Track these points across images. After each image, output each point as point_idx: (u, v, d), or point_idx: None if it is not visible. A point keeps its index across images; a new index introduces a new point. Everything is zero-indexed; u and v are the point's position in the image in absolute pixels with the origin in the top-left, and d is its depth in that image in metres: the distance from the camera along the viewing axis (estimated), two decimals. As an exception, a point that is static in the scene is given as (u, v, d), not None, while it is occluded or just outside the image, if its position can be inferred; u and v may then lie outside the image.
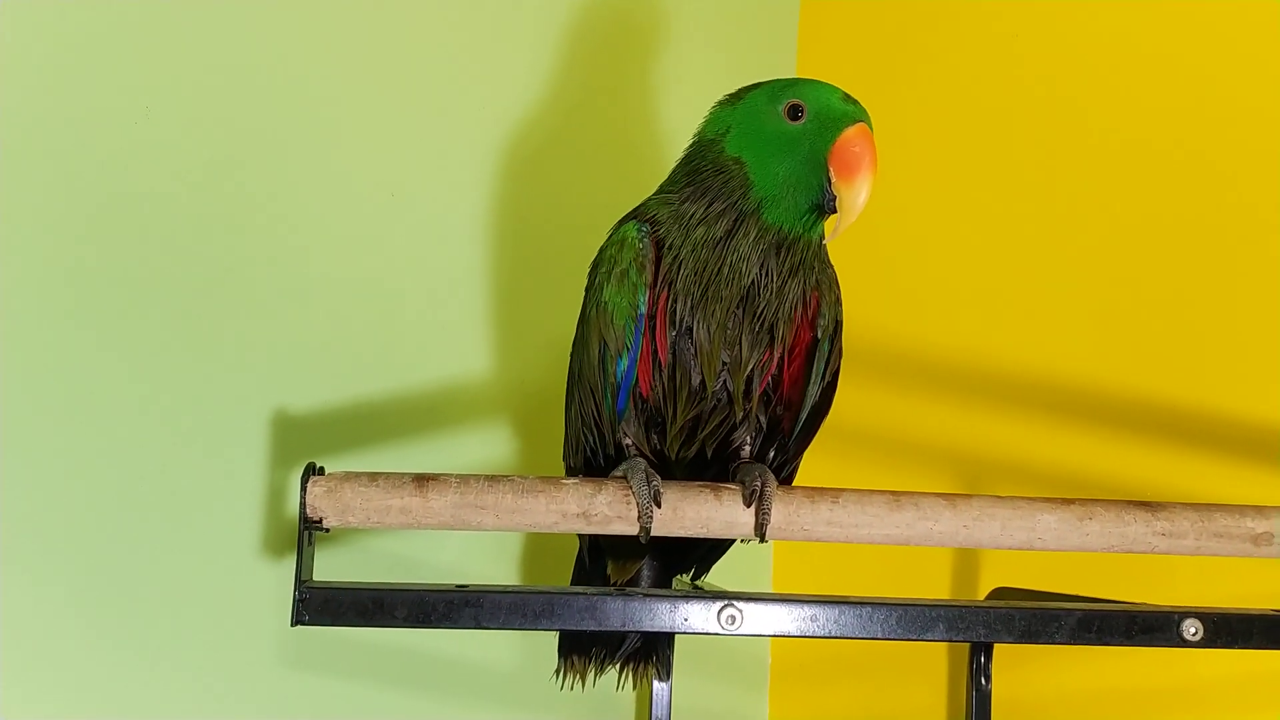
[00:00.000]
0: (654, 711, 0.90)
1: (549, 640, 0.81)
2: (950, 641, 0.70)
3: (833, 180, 0.62)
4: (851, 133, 0.62)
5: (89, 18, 0.70)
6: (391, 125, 0.84)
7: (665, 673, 0.88)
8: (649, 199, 0.68)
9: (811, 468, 0.73)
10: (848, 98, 0.64)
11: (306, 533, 0.62)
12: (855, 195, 0.61)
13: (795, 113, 0.63)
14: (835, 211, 0.63)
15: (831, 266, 0.68)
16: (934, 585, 0.96)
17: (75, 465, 0.68)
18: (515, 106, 0.90)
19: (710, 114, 0.67)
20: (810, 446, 0.72)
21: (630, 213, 0.68)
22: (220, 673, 0.73)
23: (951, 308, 1.00)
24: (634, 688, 0.84)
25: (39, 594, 0.67)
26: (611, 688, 0.93)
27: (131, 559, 0.70)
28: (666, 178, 0.68)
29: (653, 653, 0.78)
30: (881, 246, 1.03)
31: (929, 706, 0.96)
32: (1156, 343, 0.87)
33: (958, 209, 1.01)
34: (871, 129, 0.63)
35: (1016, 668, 0.89)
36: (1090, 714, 0.88)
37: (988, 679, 0.89)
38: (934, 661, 0.96)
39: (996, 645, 0.88)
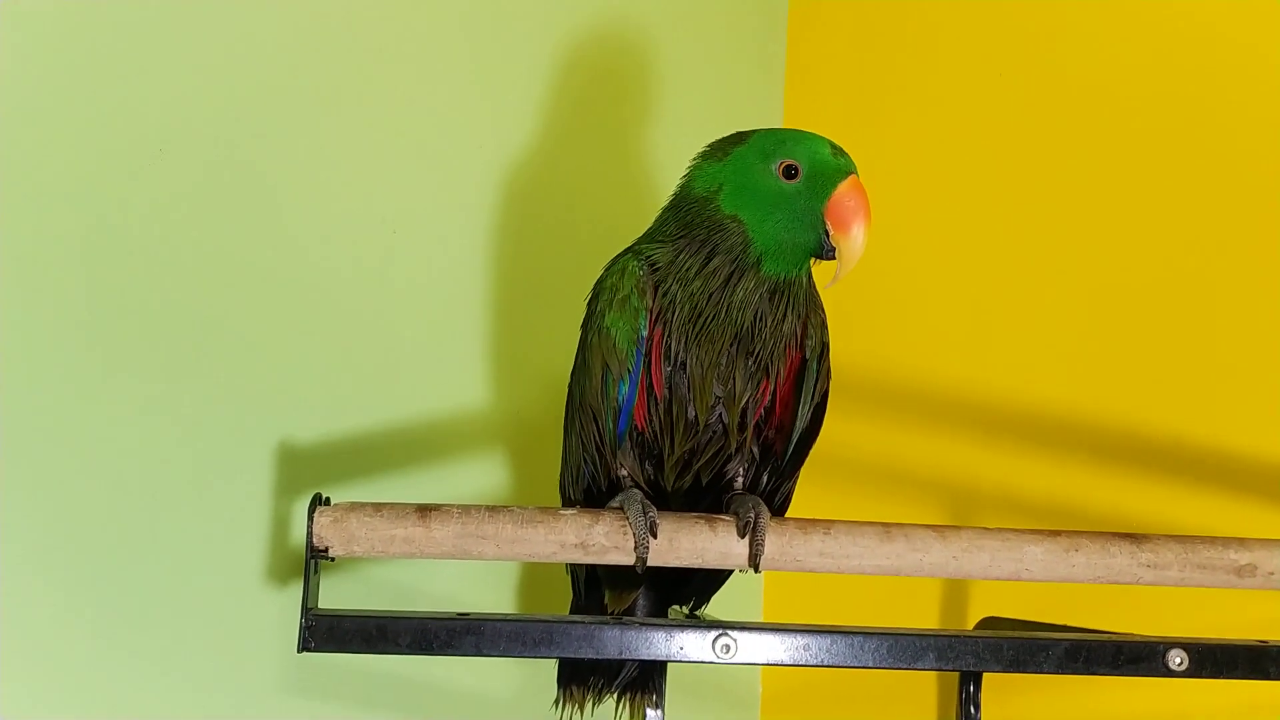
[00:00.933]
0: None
1: (546, 670, 0.82)
2: (940, 670, 0.72)
3: (831, 233, 0.65)
4: (845, 187, 0.65)
5: (99, 55, 0.72)
6: (392, 162, 0.86)
7: (659, 701, 0.88)
8: (641, 243, 0.70)
9: (804, 498, 0.75)
10: (837, 150, 0.66)
11: (313, 561, 0.63)
12: (854, 246, 0.65)
13: (790, 172, 0.65)
14: (832, 258, 0.66)
15: (816, 294, 0.70)
16: (923, 614, 0.98)
17: (82, 494, 0.70)
18: (512, 142, 0.93)
19: (696, 167, 0.69)
20: (802, 478, 0.74)
21: (625, 251, 0.70)
22: (225, 698, 0.74)
23: (942, 340, 1.02)
24: (630, 718, 0.85)
25: (47, 620, 0.68)
26: (609, 717, 0.94)
27: (138, 586, 0.71)
28: (655, 223, 0.70)
29: (649, 681, 0.80)
30: (872, 280, 1.05)
31: (921, 735, 0.97)
32: (1144, 376, 0.89)
33: (947, 241, 1.03)
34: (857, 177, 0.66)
35: (1005, 697, 0.90)
36: (1079, 743, 0.89)
37: (977, 708, 0.90)
38: (924, 690, 0.97)
39: (986, 674, 0.89)
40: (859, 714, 1.02)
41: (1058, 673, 0.66)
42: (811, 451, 0.73)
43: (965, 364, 0.99)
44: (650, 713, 0.91)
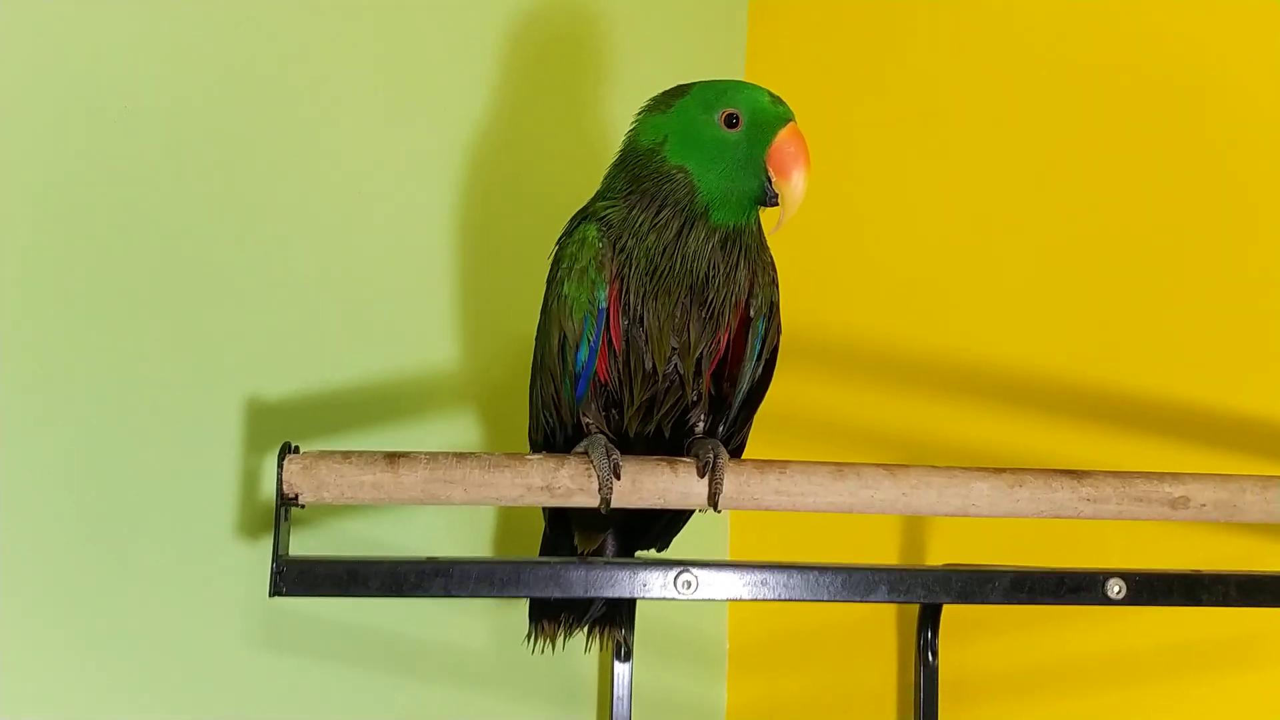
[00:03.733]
0: (615, 691, 0.93)
1: (518, 619, 0.84)
2: (893, 602, 0.75)
3: (773, 179, 0.67)
4: (785, 134, 0.67)
5: (67, 17, 0.72)
6: (361, 125, 0.87)
7: (628, 650, 0.91)
8: (596, 202, 0.71)
9: (758, 449, 0.77)
10: (775, 99, 0.68)
11: (283, 509, 0.64)
12: (795, 191, 0.67)
13: (731, 121, 0.67)
14: (776, 204, 0.68)
15: (768, 250, 0.72)
16: (883, 559, 1.01)
17: (51, 451, 0.71)
18: (477, 107, 0.94)
19: (641, 120, 0.71)
20: (759, 430, 0.76)
21: (581, 213, 0.72)
22: (197, 650, 0.75)
23: (892, 295, 1.05)
24: (602, 649, 0.88)
25: (12, 575, 0.69)
26: (576, 670, 0.97)
27: (108, 542, 0.72)
28: (605, 180, 0.72)
29: (617, 617, 0.82)
30: (821, 237, 1.08)
31: (880, 682, 1.00)
32: (1084, 326, 0.93)
33: (891, 196, 1.06)
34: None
35: (962, 641, 0.94)
36: (1030, 683, 0.93)
37: (935, 654, 0.94)
38: (884, 637, 1.00)
39: (943, 624, 0.93)
40: (823, 665, 1.05)
41: (1004, 602, 0.69)
42: (769, 405, 0.75)
43: (914, 319, 1.02)
44: (618, 665, 0.93)
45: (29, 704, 0.69)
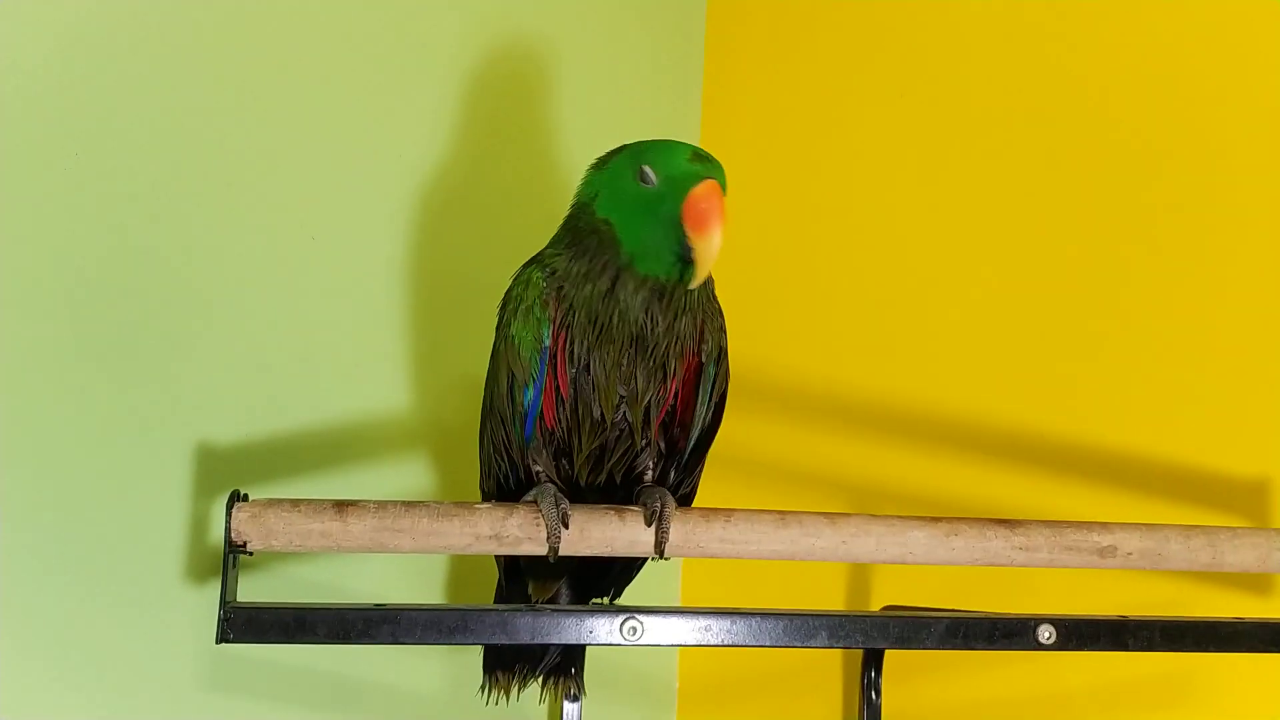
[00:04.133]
0: (565, 731, 0.94)
1: (470, 663, 0.84)
2: (832, 647, 0.77)
3: (688, 235, 0.68)
4: (698, 191, 0.68)
5: (20, 63, 0.73)
6: (312, 169, 0.88)
7: (581, 688, 0.92)
8: (544, 251, 0.74)
9: (708, 494, 0.79)
10: (697, 156, 0.69)
11: (231, 556, 0.65)
12: (707, 247, 0.67)
13: (645, 178, 0.69)
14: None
15: (715, 300, 0.74)
16: (830, 598, 1.03)
17: (0, 492, 0.70)
18: (429, 154, 0.96)
19: (584, 177, 0.74)
20: (707, 474, 0.78)
21: (530, 260, 0.74)
22: (144, 694, 0.75)
23: (837, 343, 1.07)
24: (555, 700, 0.88)
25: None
26: (527, 713, 0.97)
27: (55, 585, 0.72)
28: (557, 231, 0.74)
29: (571, 667, 0.83)
30: (768, 282, 1.11)
31: (826, 721, 1.02)
32: (1018, 373, 0.96)
33: (837, 244, 1.09)
34: (723, 181, 0.69)
35: (903, 683, 0.96)
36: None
37: (878, 693, 0.96)
38: (830, 679, 1.02)
39: (886, 664, 0.95)
40: (770, 702, 1.07)
41: (939, 648, 0.71)
42: (716, 449, 0.77)
43: (858, 364, 1.05)
44: (568, 705, 0.94)
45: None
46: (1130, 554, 0.74)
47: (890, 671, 0.95)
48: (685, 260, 0.69)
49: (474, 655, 0.84)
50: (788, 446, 1.06)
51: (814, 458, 1.05)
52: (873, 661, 0.95)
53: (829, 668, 1.02)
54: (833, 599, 1.03)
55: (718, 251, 0.67)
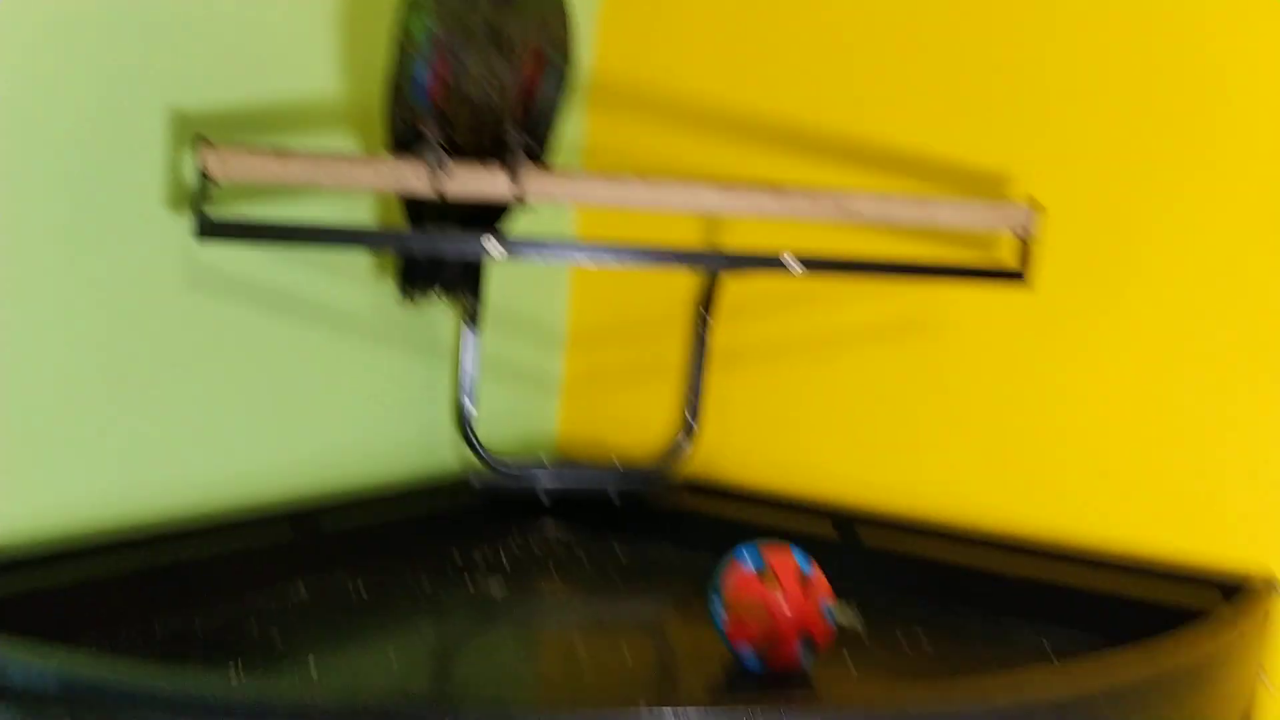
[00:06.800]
0: (464, 349, 1.22)
1: (393, 290, 1.13)
2: (667, 267, 1.07)
3: None
4: None
5: None
6: None
7: (474, 316, 1.21)
8: None
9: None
10: None
11: (203, 180, 0.88)
12: None
13: None
14: None
15: (563, 2, 0.95)
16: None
17: (33, 138, 0.90)
18: None
19: None
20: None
21: None
22: (132, 295, 0.96)
23: (705, 50, 1.27)
24: (450, 302, 1.19)
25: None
26: (437, 334, 1.26)
27: (57, 209, 0.91)
28: None
29: (467, 284, 1.13)
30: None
31: (679, 354, 1.33)
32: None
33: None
34: None
35: (730, 322, 1.26)
36: (777, 353, 1.26)
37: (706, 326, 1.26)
38: (684, 327, 1.31)
39: (719, 307, 1.24)
40: (637, 341, 1.36)
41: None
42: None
43: (723, 78, 1.26)
44: (467, 331, 1.23)
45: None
46: (865, 214, 1.01)
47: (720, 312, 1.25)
48: None
49: (393, 286, 1.11)
50: (649, 150, 1.27)
51: (673, 162, 1.27)
52: (705, 302, 1.24)
53: (684, 311, 1.31)
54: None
55: None
